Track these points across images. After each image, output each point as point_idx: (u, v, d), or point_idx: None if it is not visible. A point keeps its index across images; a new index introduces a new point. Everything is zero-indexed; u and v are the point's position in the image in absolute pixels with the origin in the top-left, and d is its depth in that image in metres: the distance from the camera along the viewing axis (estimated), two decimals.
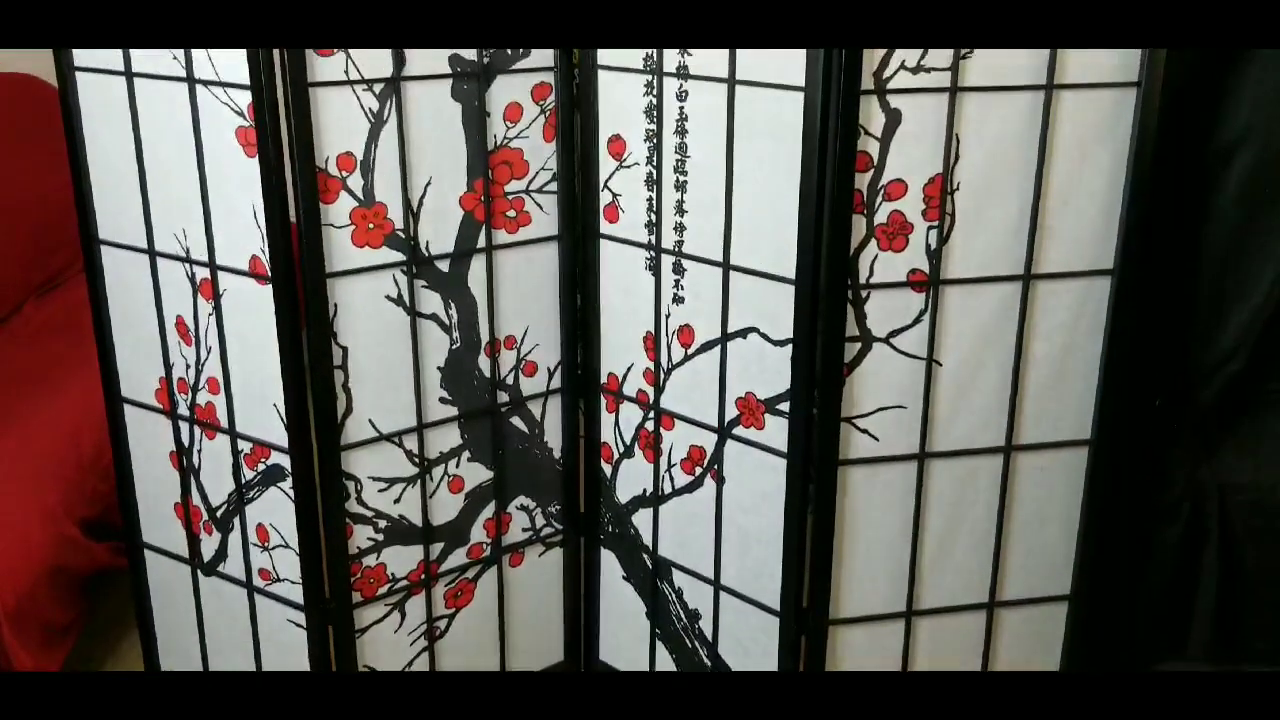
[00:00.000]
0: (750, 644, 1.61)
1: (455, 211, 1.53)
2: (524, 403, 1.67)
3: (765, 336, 1.46)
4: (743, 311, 1.48)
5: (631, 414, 1.65)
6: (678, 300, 1.54)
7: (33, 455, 1.87)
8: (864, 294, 1.40)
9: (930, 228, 1.39)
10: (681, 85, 1.45)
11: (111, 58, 1.46)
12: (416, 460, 1.59)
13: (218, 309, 1.50)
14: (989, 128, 1.35)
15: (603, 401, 1.68)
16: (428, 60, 1.45)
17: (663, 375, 1.59)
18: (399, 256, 1.49)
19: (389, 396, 1.54)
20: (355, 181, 1.44)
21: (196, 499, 1.63)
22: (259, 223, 1.41)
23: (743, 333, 1.49)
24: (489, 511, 1.69)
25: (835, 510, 1.48)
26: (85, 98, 1.51)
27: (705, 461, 1.58)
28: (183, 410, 1.59)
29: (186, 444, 1.61)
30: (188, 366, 1.56)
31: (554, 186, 1.60)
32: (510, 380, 1.65)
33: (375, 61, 1.41)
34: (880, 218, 1.37)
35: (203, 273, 1.49)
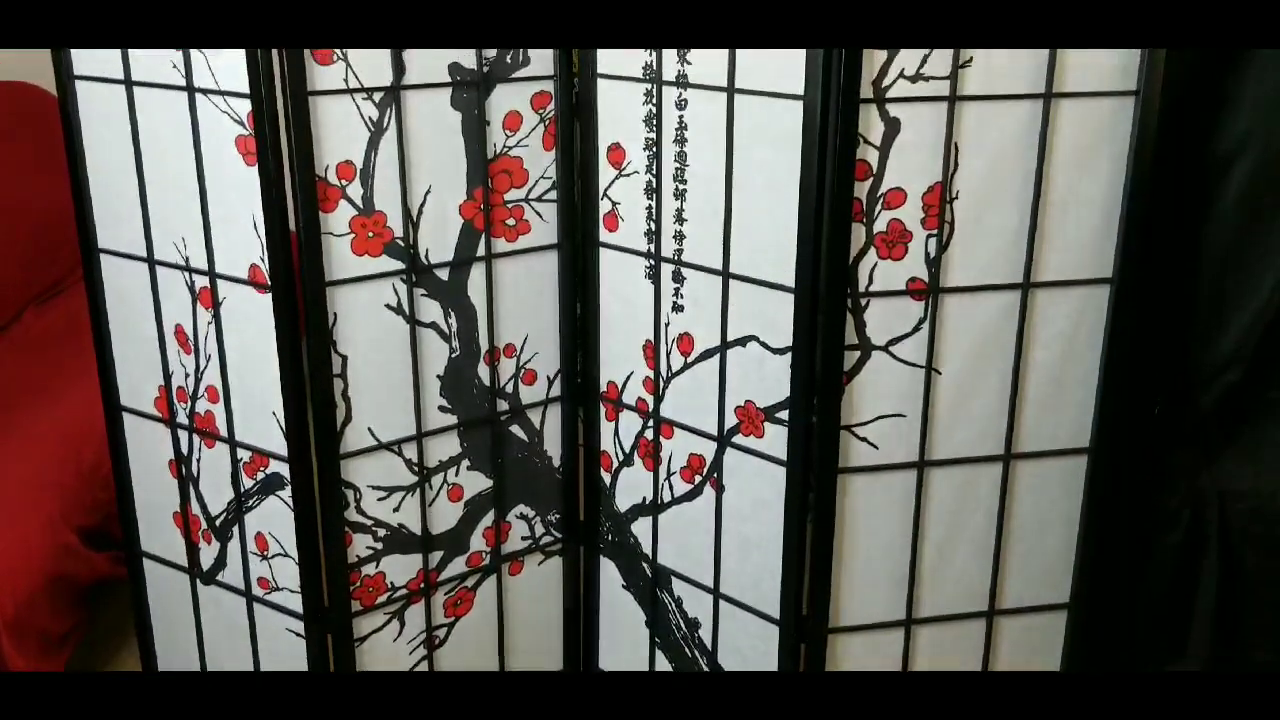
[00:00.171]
0: (750, 652, 1.61)
1: (455, 220, 1.53)
2: (523, 411, 1.67)
3: (765, 345, 1.46)
4: (742, 320, 1.48)
5: (631, 422, 1.65)
6: (677, 308, 1.54)
7: (32, 464, 1.87)
8: (863, 302, 1.40)
9: (929, 236, 1.39)
10: (681, 94, 1.45)
11: (111, 66, 1.46)
12: (416, 469, 1.59)
13: (217, 318, 1.50)
14: (988, 136, 1.36)
15: (602, 410, 1.68)
16: (427, 69, 1.45)
17: (662, 383, 1.59)
18: (398, 265, 1.49)
19: (388, 405, 1.54)
20: (355, 190, 1.44)
21: (196, 508, 1.63)
22: (258, 231, 1.41)
23: (742, 341, 1.49)
24: (488, 520, 1.68)
25: (835, 518, 1.48)
26: (85, 106, 1.51)
27: (705, 470, 1.58)
28: (182, 419, 1.59)
29: (186, 453, 1.61)
30: (187, 375, 1.56)
31: (553, 195, 1.60)
32: (510, 389, 1.65)
33: (375, 70, 1.41)
34: (879, 226, 1.38)
35: (202, 281, 1.49)
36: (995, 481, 1.50)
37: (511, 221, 1.58)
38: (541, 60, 1.53)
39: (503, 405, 1.65)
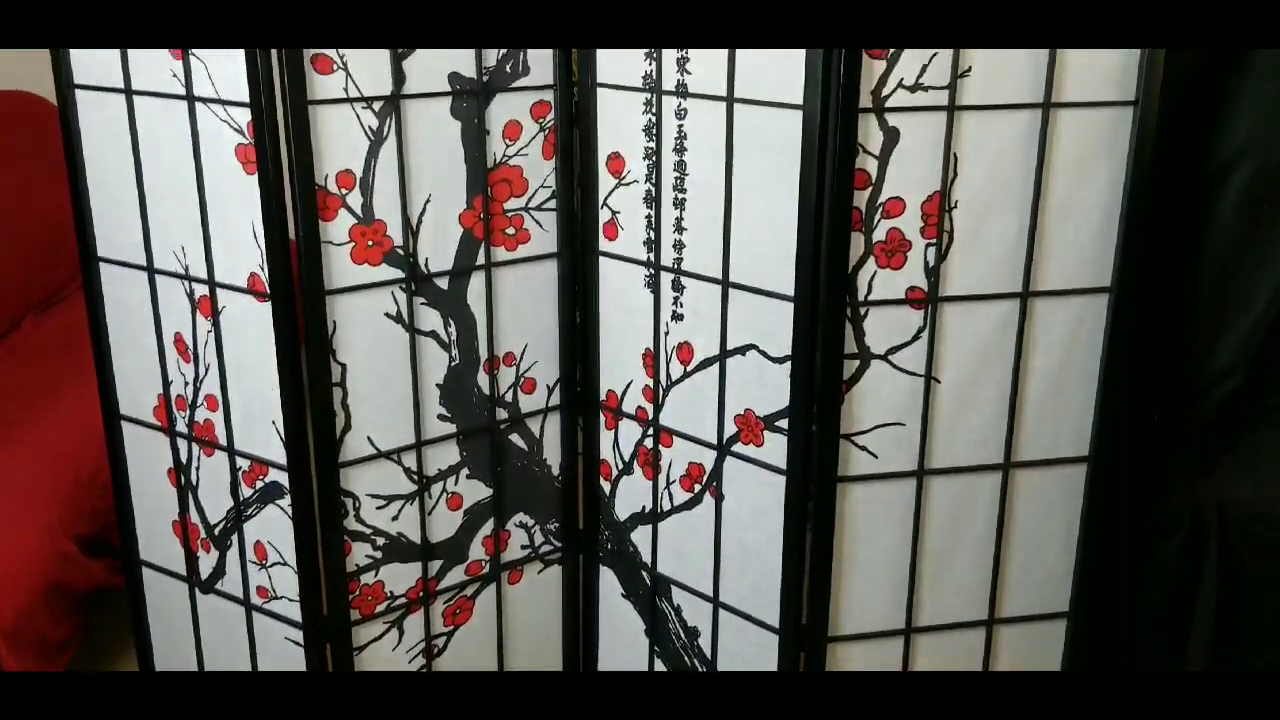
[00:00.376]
0: (749, 661, 1.60)
1: (454, 229, 1.53)
2: (523, 420, 1.67)
3: (764, 353, 1.46)
4: (742, 328, 1.48)
5: (630, 431, 1.65)
6: (677, 317, 1.54)
7: (31, 472, 1.87)
8: (863, 311, 1.40)
9: (929, 245, 1.39)
10: (680, 103, 1.45)
11: (111, 75, 1.46)
12: (415, 477, 1.59)
13: (216, 326, 1.50)
14: (987, 146, 1.36)
15: (602, 419, 1.68)
16: (427, 78, 1.45)
17: (661, 392, 1.59)
18: (398, 274, 1.50)
19: (388, 414, 1.54)
20: (354, 199, 1.44)
21: (195, 516, 1.62)
22: (258, 240, 1.41)
23: (742, 350, 1.49)
24: (488, 529, 1.68)
25: (834, 527, 1.48)
26: (85, 115, 1.51)
27: (704, 478, 1.58)
28: (181, 427, 1.59)
29: (185, 461, 1.60)
30: (186, 384, 1.56)
31: (553, 204, 1.60)
32: (509, 397, 1.65)
33: (375, 79, 1.41)
34: (879, 235, 1.38)
35: (202, 290, 1.49)
36: (995, 490, 1.50)
37: (511, 230, 1.58)
38: (541, 70, 1.53)
39: (502, 414, 1.64)
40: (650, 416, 1.61)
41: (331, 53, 1.37)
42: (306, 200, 1.40)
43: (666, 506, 1.63)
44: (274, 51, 1.33)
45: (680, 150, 1.47)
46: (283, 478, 1.51)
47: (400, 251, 1.49)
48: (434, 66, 1.45)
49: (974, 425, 1.47)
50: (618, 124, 1.53)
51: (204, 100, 1.40)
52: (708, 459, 1.57)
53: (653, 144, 1.50)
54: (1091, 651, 1.62)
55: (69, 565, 1.79)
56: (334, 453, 1.51)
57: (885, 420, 1.45)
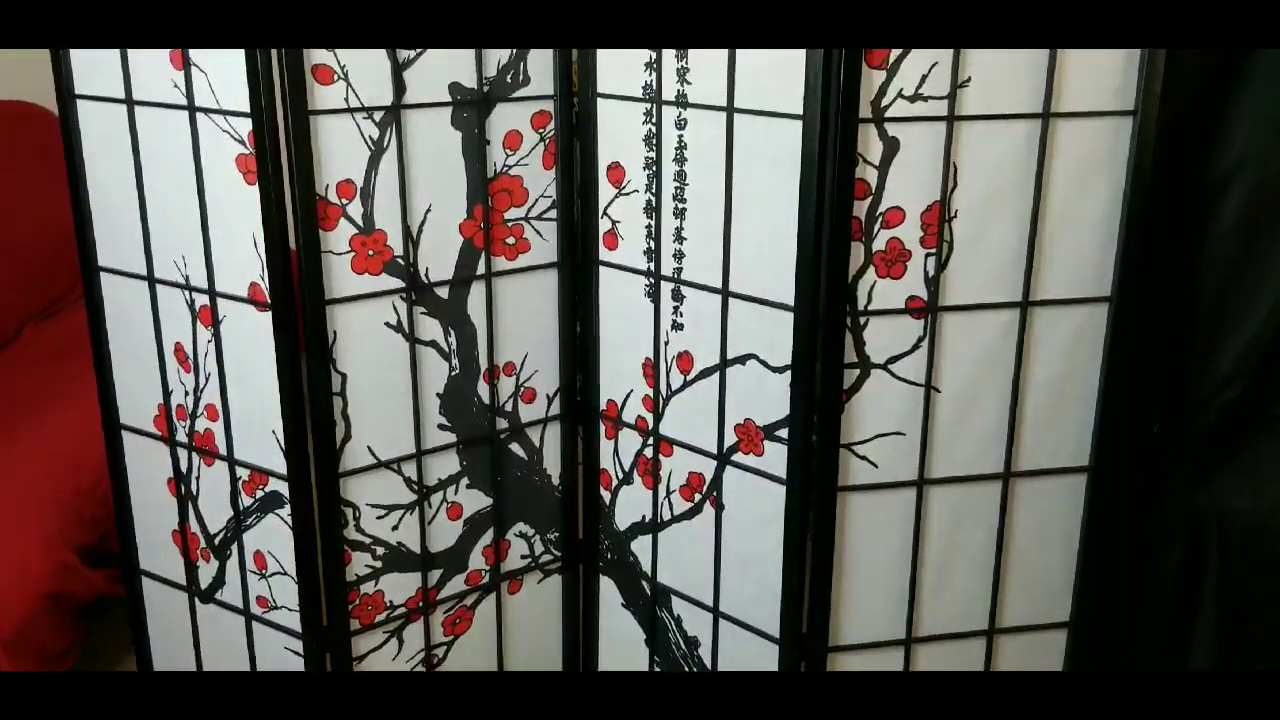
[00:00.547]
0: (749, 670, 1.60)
1: (455, 238, 1.53)
2: (523, 429, 1.67)
3: (764, 363, 1.46)
4: (742, 338, 1.48)
5: (630, 440, 1.65)
6: (677, 327, 1.54)
7: (31, 481, 1.86)
8: (863, 320, 1.40)
9: (928, 255, 1.39)
10: (680, 113, 1.46)
11: (112, 85, 1.46)
12: (415, 487, 1.59)
13: (217, 336, 1.50)
14: (987, 155, 1.36)
15: (602, 428, 1.67)
16: (428, 88, 1.45)
17: (662, 402, 1.59)
18: (398, 283, 1.50)
19: (388, 423, 1.54)
20: (355, 209, 1.44)
21: (194, 526, 1.62)
22: (259, 250, 1.41)
23: (742, 359, 1.49)
24: (488, 538, 1.68)
25: (834, 537, 1.48)
26: (85, 125, 1.51)
27: (704, 488, 1.58)
28: (181, 437, 1.59)
29: (185, 471, 1.60)
30: (186, 393, 1.56)
31: (553, 214, 1.60)
32: (509, 407, 1.65)
33: (375, 89, 1.42)
34: (879, 245, 1.38)
35: (202, 300, 1.49)
36: (995, 500, 1.50)
37: (511, 240, 1.58)
38: (541, 80, 1.54)
39: (502, 423, 1.64)
40: (650, 426, 1.61)
41: (332, 63, 1.38)
42: (307, 210, 1.40)
43: (666, 516, 1.63)
44: (275, 62, 1.34)
45: (680, 160, 1.48)
46: (283, 487, 1.51)
47: (401, 261, 1.49)
48: (434, 76, 1.46)
49: (974, 435, 1.47)
50: (618, 134, 1.53)
51: (205, 110, 1.40)
52: (708, 469, 1.56)
53: (653, 154, 1.50)
54: (1092, 662, 1.62)
55: (69, 575, 1.79)
56: (334, 462, 1.51)
57: (885, 430, 1.45)
